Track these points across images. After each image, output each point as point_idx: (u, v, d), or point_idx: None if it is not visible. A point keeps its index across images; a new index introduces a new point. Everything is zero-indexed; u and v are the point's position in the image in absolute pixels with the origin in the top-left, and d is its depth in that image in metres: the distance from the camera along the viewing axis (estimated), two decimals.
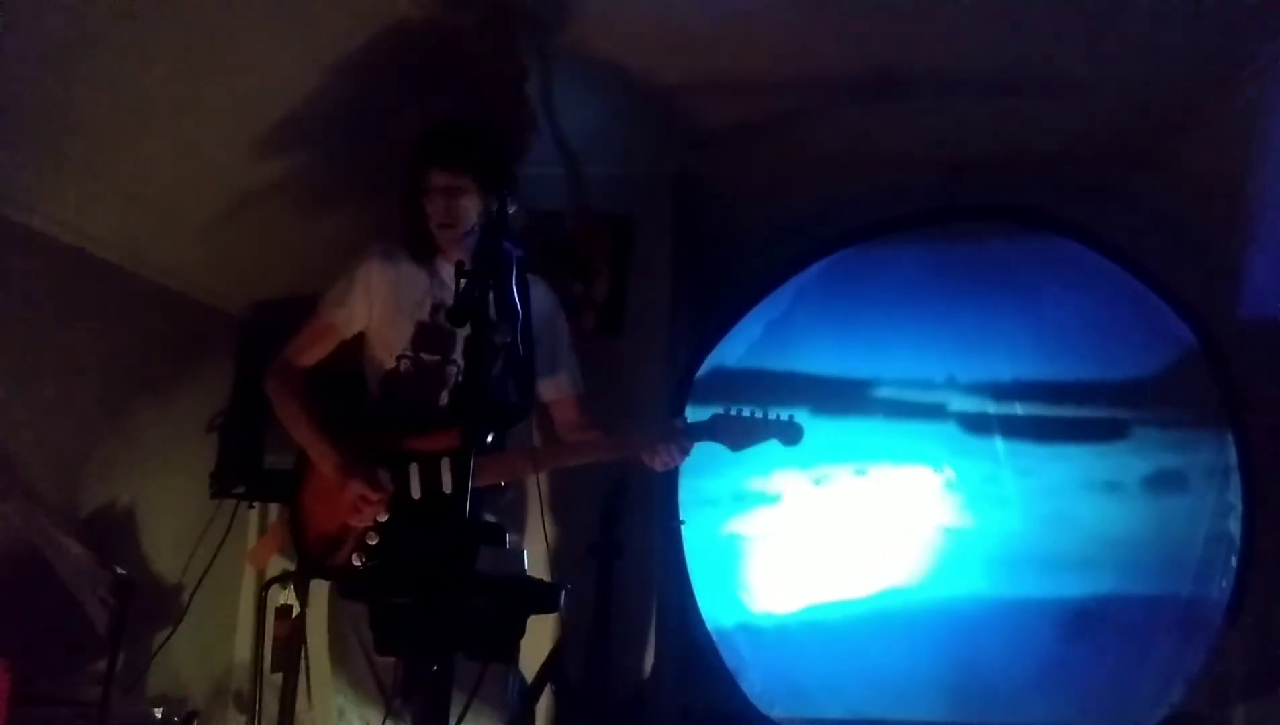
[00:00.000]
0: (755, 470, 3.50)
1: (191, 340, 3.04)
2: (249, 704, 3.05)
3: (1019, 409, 3.52)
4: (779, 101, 2.97)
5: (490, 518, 2.24)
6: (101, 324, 2.68)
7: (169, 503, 2.96)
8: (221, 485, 2.97)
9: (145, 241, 2.72)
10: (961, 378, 3.58)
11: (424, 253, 2.28)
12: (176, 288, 2.96)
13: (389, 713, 2.10)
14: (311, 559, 2.27)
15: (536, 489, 2.36)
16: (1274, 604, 3.13)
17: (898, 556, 3.52)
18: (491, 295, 1.89)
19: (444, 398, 2.25)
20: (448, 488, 2.13)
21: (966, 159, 3.27)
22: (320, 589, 2.31)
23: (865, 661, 3.43)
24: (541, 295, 2.38)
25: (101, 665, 2.38)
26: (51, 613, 2.40)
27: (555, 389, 2.40)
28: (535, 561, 2.41)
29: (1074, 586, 3.37)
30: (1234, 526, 3.25)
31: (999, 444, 3.52)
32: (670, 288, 3.40)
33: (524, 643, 2.21)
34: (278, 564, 2.77)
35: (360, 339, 2.34)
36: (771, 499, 3.57)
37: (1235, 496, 3.27)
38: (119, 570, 2.44)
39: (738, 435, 2.18)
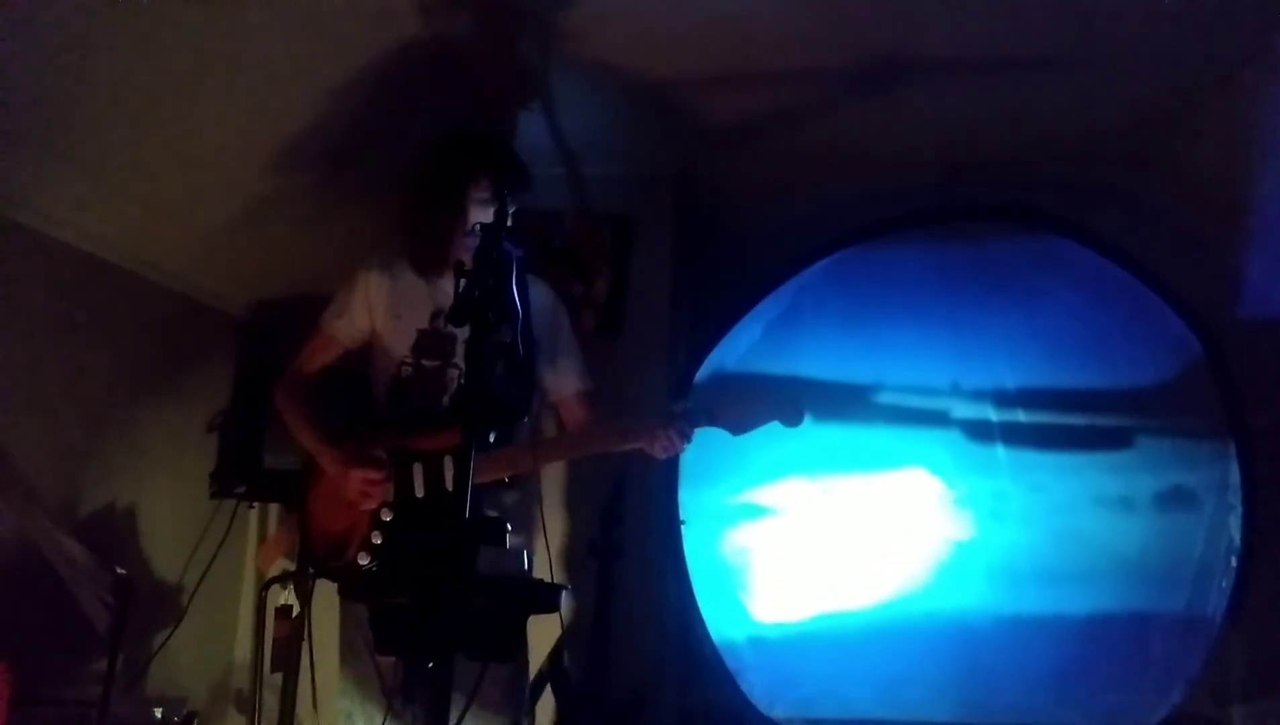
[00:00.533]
0: (756, 472, 3.50)
1: (191, 340, 3.05)
2: (249, 704, 3.05)
3: (1021, 414, 3.51)
4: (779, 101, 2.97)
5: (494, 515, 2.24)
6: (102, 324, 2.68)
7: (169, 503, 2.96)
8: (221, 485, 2.97)
9: (145, 242, 2.73)
10: (963, 381, 3.57)
11: (435, 262, 2.28)
12: (176, 288, 2.96)
13: (389, 712, 2.10)
14: (318, 561, 2.28)
15: (537, 489, 2.36)
16: (1274, 604, 3.12)
17: (898, 562, 3.52)
18: (491, 295, 1.89)
19: (446, 401, 2.26)
20: (451, 486, 2.14)
21: (966, 159, 3.27)
22: (329, 592, 2.31)
23: (866, 664, 3.43)
24: (541, 294, 2.39)
25: (101, 665, 2.38)
26: (51, 613, 2.40)
27: (560, 386, 2.41)
28: (538, 562, 2.41)
29: (1077, 596, 3.37)
30: (1234, 527, 3.25)
31: (1000, 449, 3.52)
32: (670, 288, 3.40)
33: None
34: (278, 564, 2.77)
35: (365, 347, 2.37)
36: (772, 504, 3.57)
37: (1236, 497, 3.27)
38: (119, 570, 2.44)
39: (740, 419, 2.17)
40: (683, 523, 3.38)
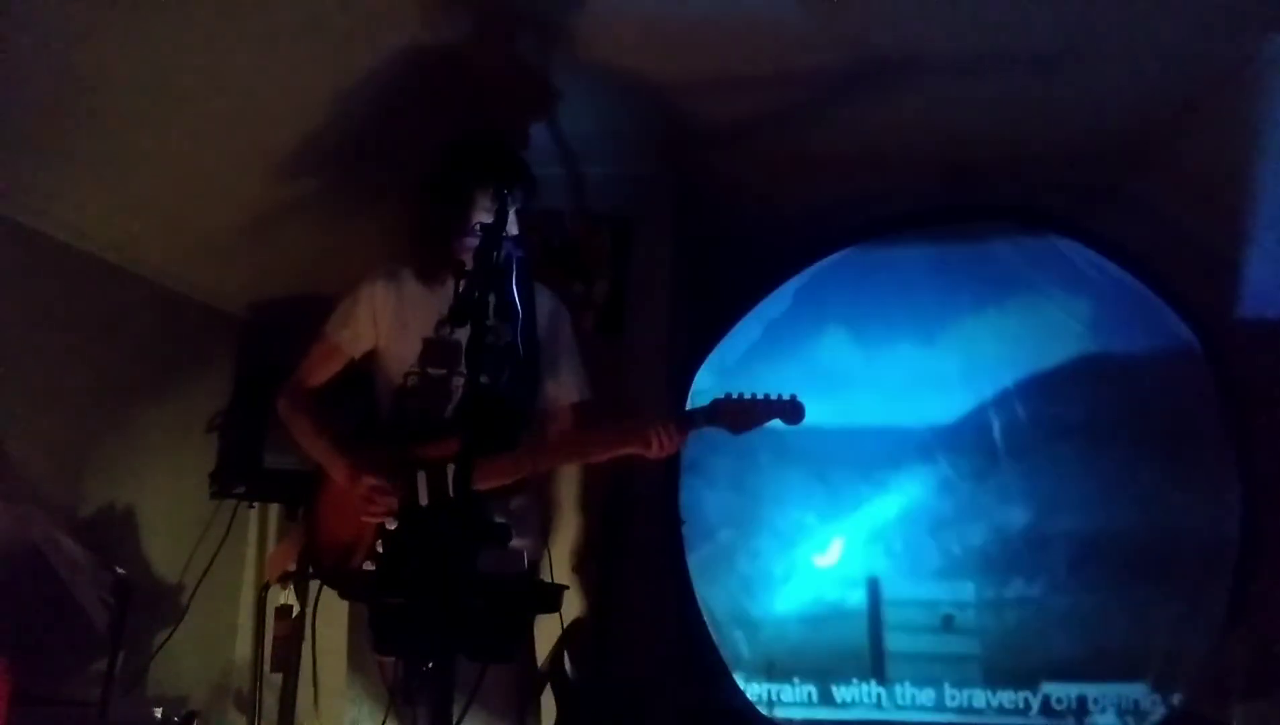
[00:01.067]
0: (756, 470, 3.50)
1: (191, 340, 3.05)
2: (249, 704, 3.05)
3: (1021, 413, 3.52)
4: (779, 101, 2.97)
5: (500, 521, 2.24)
6: (102, 324, 2.68)
7: (169, 503, 2.96)
8: (221, 485, 2.97)
9: (146, 242, 2.73)
10: (963, 380, 3.58)
11: (440, 271, 2.26)
12: (177, 288, 2.96)
13: (389, 713, 2.10)
14: (324, 568, 2.28)
15: (543, 492, 2.35)
16: (1274, 604, 3.12)
17: (898, 557, 3.53)
18: (492, 296, 1.89)
19: (450, 410, 2.26)
20: (454, 492, 2.13)
21: (967, 159, 3.27)
22: (333, 594, 2.31)
23: (863, 661, 3.44)
24: (545, 301, 2.38)
25: (101, 665, 2.39)
26: (51, 613, 2.40)
27: (558, 395, 2.40)
28: (540, 563, 2.40)
29: (1077, 595, 3.37)
30: (1234, 527, 3.25)
31: (1000, 448, 3.52)
32: (670, 288, 3.40)
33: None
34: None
35: (369, 357, 2.35)
36: (772, 503, 3.57)
37: (1236, 497, 3.27)
38: (119, 570, 2.45)
39: (739, 417, 2.16)
40: (683, 523, 3.39)
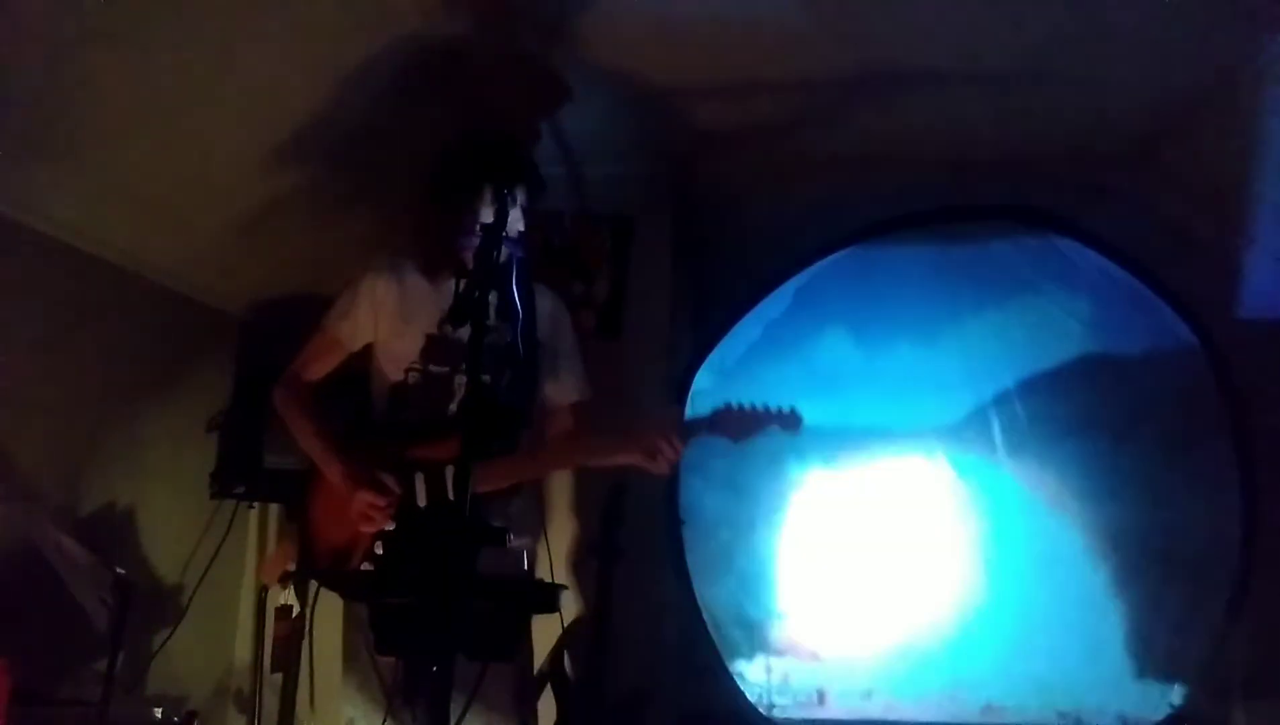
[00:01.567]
0: (756, 471, 3.50)
1: (191, 340, 3.04)
2: (249, 704, 3.06)
3: (1020, 412, 3.52)
4: (779, 101, 2.97)
5: (497, 524, 2.23)
6: (102, 324, 2.68)
7: (169, 503, 2.96)
8: (221, 485, 2.97)
9: (146, 242, 2.72)
10: (963, 380, 3.58)
11: (444, 267, 2.25)
12: (177, 288, 2.95)
13: (388, 712, 2.10)
14: (321, 570, 2.27)
15: (540, 491, 2.35)
16: (1274, 604, 3.12)
17: (897, 558, 3.53)
18: (493, 296, 1.89)
19: (452, 408, 2.25)
20: (453, 495, 2.12)
21: (967, 159, 3.27)
22: (334, 599, 2.30)
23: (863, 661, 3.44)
24: (546, 301, 2.38)
25: (101, 665, 2.38)
26: (51, 613, 2.40)
27: (557, 396, 2.40)
28: (539, 563, 2.41)
29: (1077, 594, 3.37)
30: (1234, 527, 3.25)
31: (1000, 448, 3.52)
32: (670, 288, 3.40)
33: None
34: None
35: (366, 351, 2.33)
36: (772, 501, 3.57)
37: (1236, 497, 3.27)
38: (119, 570, 2.44)
39: (739, 427, 2.16)
40: (682, 522, 3.39)
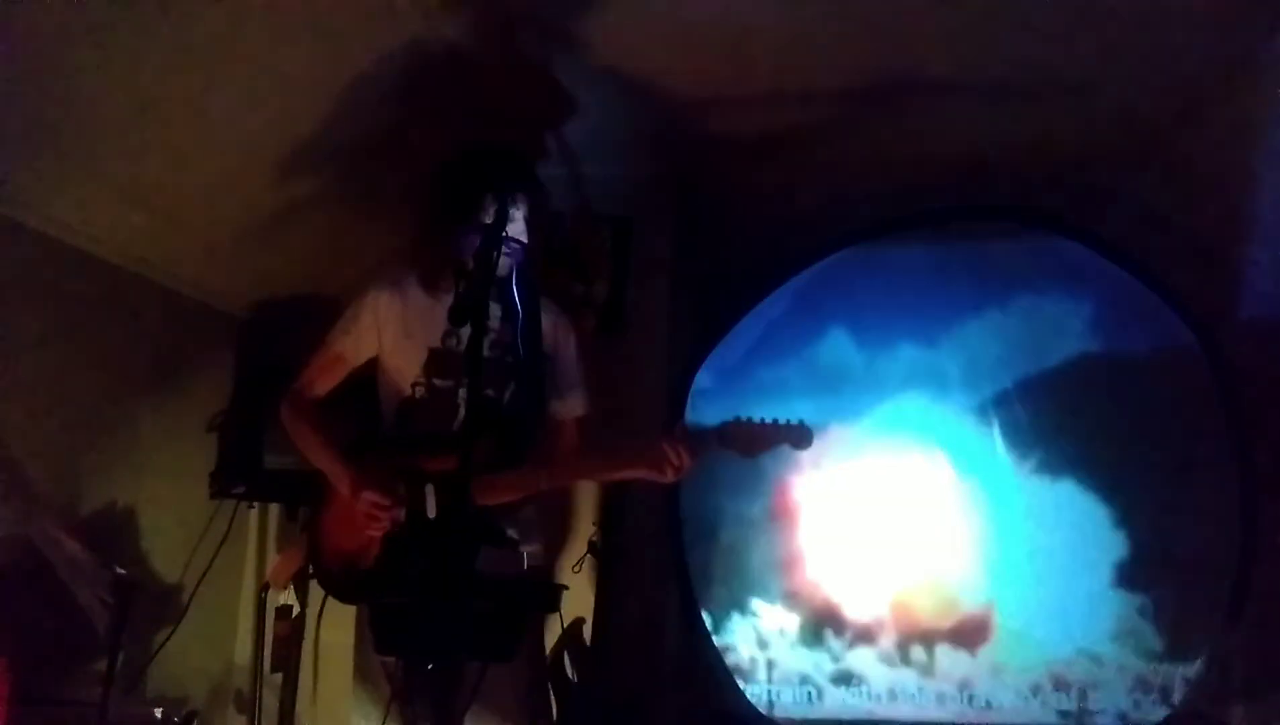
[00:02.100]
0: (756, 470, 3.50)
1: (191, 340, 3.04)
2: (249, 704, 3.06)
3: (1021, 413, 3.52)
4: (779, 102, 2.97)
5: (512, 533, 2.23)
6: (102, 324, 2.68)
7: (169, 503, 2.96)
8: (221, 485, 2.97)
9: (146, 242, 2.72)
10: (963, 381, 3.58)
11: (443, 277, 2.25)
12: (177, 288, 2.96)
13: (388, 712, 2.10)
14: (330, 577, 2.27)
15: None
16: (1274, 604, 3.12)
17: (898, 557, 3.53)
18: (495, 303, 1.88)
19: (457, 422, 2.24)
20: (454, 491, 2.11)
21: (967, 159, 3.27)
22: (349, 610, 2.30)
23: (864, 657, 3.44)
24: (548, 314, 2.38)
25: (101, 665, 2.38)
26: (51, 613, 2.40)
27: (562, 409, 2.39)
28: (539, 564, 2.40)
29: (1077, 594, 3.37)
30: (1233, 526, 3.25)
31: (1001, 447, 3.52)
32: (670, 288, 3.40)
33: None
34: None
35: (372, 366, 2.33)
36: (772, 501, 3.57)
37: (1235, 496, 3.27)
38: (119, 570, 2.44)
39: (749, 441, 2.15)
40: (682, 523, 3.39)
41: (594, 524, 2.93)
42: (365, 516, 2.13)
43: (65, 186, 2.41)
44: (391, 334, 2.27)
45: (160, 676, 2.81)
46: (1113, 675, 3.31)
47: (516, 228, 2.17)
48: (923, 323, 3.60)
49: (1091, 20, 2.48)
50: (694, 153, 3.31)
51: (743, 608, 3.53)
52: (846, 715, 3.40)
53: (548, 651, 2.67)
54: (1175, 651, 3.28)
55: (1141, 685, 3.28)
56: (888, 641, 3.46)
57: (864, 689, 3.42)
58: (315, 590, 2.62)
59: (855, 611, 3.49)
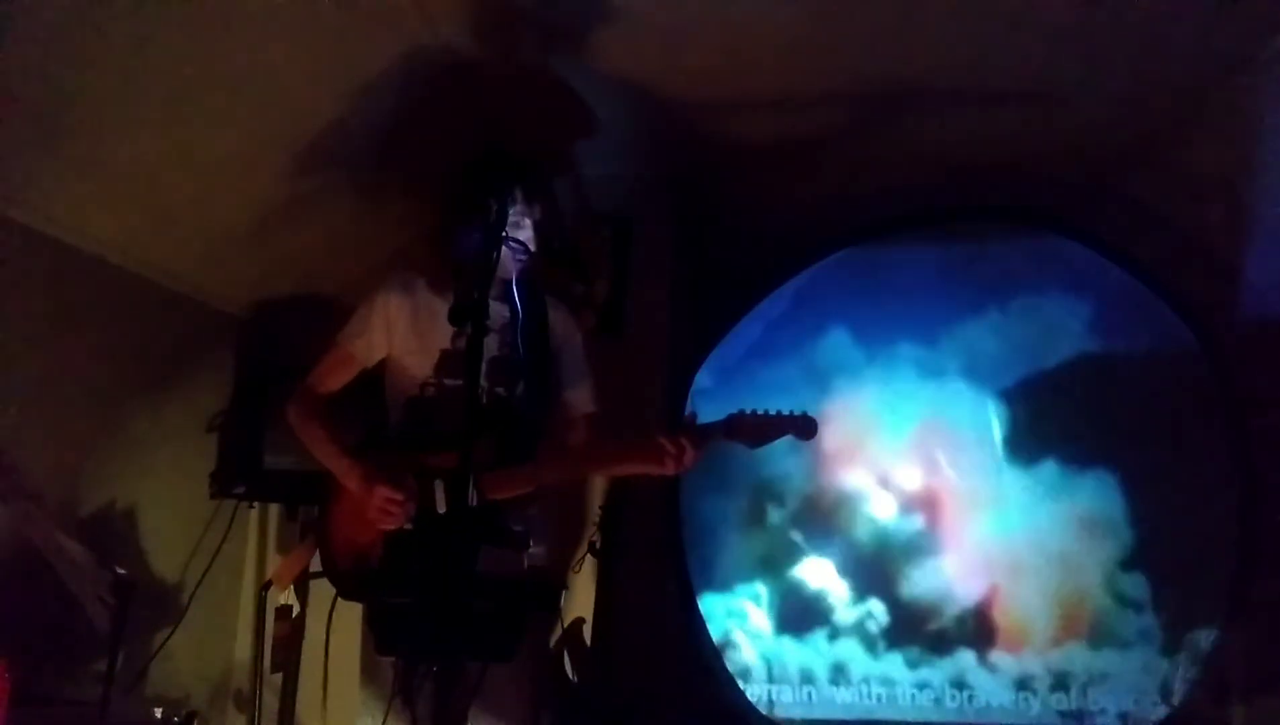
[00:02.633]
0: (757, 472, 3.50)
1: (191, 340, 3.04)
2: (249, 704, 3.05)
3: (1021, 412, 3.52)
4: (779, 102, 2.97)
5: (518, 529, 2.23)
6: (101, 324, 2.68)
7: (169, 503, 2.96)
8: (221, 485, 2.97)
9: (146, 242, 2.72)
10: (963, 380, 3.58)
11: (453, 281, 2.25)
12: (177, 288, 2.95)
13: (389, 712, 2.10)
14: (340, 575, 2.27)
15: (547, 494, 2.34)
16: (1274, 604, 3.12)
17: (898, 554, 3.53)
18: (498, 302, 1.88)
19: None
20: (473, 501, 2.12)
21: (967, 159, 3.27)
22: (353, 610, 2.31)
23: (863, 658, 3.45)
24: (555, 312, 2.39)
25: (101, 665, 2.38)
26: (51, 613, 2.40)
27: (573, 405, 2.41)
28: (539, 564, 2.40)
29: (1073, 584, 3.38)
30: (1234, 527, 3.25)
31: (1001, 447, 3.52)
32: (670, 288, 3.40)
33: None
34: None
35: (382, 366, 2.35)
36: (773, 500, 3.57)
37: (1235, 497, 3.27)
38: (119, 570, 2.44)
39: (755, 433, 2.16)
40: (682, 521, 3.39)
41: (594, 524, 2.94)
42: (378, 511, 2.13)
43: (65, 186, 2.41)
44: (402, 335, 2.29)
45: (160, 676, 2.81)
46: (1113, 675, 3.31)
47: (525, 233, 2.18)
48: (923, 323, 3.60)
49: (1092, 21, 2.48)
50: (694, 153, 3.31)
51: (742, 607, 3.53)
52: (846, 715, 3.40)
53: (548, 651, 2.67)
54: (1175, 651, 3.28)
55: (1141, 685, 3.28)
56: (888, 641, 3.46)
57: (864, 688, 3.42)
58: (315, 590, 2.62)
59: (855, 611, 3.49)
